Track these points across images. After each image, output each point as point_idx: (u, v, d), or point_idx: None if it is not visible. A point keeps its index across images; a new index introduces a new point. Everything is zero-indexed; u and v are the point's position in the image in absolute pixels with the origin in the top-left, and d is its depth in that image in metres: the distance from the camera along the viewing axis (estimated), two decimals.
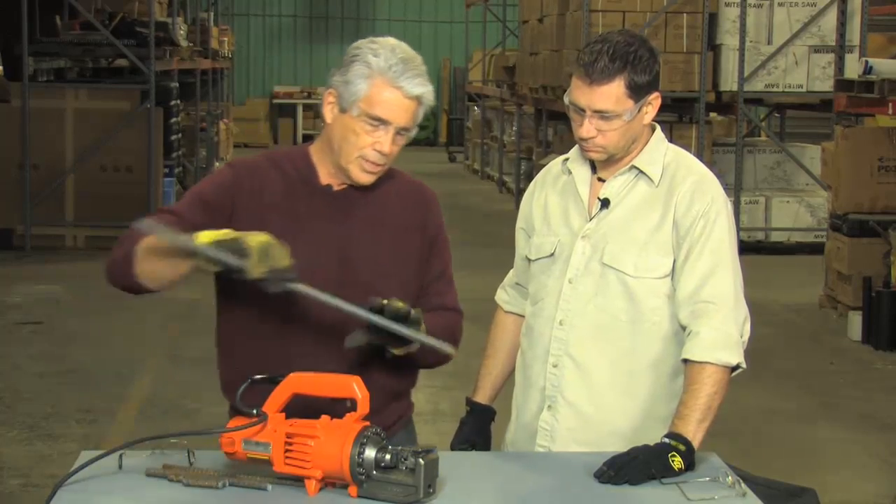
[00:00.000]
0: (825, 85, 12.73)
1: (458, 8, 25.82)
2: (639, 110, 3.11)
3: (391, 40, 3.02)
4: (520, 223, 3.39)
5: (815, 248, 12.11)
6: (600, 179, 3.22)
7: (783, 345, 9.06)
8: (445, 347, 2.89)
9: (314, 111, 27.52)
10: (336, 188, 3.08)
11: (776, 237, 13.35)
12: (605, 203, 3.19)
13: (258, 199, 3.03)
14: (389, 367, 3.04)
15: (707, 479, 2.85)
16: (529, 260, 3.32)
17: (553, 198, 3.29)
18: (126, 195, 12.50)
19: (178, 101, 14.98)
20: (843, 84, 10.42)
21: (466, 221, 15.08)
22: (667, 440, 2.92)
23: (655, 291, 3.13)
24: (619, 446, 2.97)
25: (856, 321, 9.35)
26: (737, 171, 12.90)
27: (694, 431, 2.96)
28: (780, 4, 13.04)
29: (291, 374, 2.79)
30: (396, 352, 2.92)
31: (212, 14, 20.12)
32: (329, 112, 3.04)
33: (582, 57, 3.10)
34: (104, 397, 7.37)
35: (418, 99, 2.98)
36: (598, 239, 3.18)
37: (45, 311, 9.74)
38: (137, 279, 2.92)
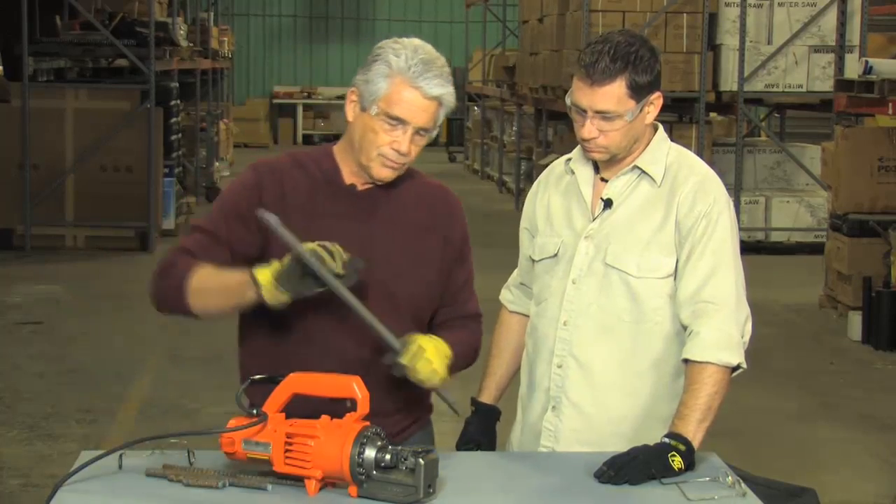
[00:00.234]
0: (825, 85, 12.72)
1: (458, 8, 25.82)
2: (640, 110, 3.11)
3: (415, 41, 3.03)
4: (523, 223, 3.39)
5: (815, 248, 12.11)
6: (603, 179, 3.23)
7: (783, 345, 9.05)
8: (455, 407, 2.97)
9: (314, 111, 27.55)
10: (360, 188, 3.09)
11: (776, 237, 13.35)
12: (607, 203, 3.19)
13: (282, 199, 3.05)
14: None
15: (707, 479, 2.85)
16: (533, 260, 3.32)
17: (556, 198, 3.29)
18: (126, 195, 12.50)
19: (178, 101, 14.97)
20: (843, 84, 10.42)
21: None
22: (667, 440, 2.92)
23: (658, 292, 3.13)
24: (621, 447, 2.96)
25: (856, 321, 9.35)
26: (737, 171, 12.90)
27: (694, 431, 2.96)
28: (780, 4, 13.04)
29: (291, 374, 2.80)
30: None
31: (212, 14, 20.11)
32: (351, 110, 3.06)
33: (583, 58, 3.10)
34: (104, 397, 7.37)
35: (438, 100, 2.99)
36: (601, 239, 3.18)
37: (45, 311, 9.74)
38: (191, 311, 3.02)
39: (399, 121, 2.98)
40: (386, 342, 2.89)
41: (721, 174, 3.37)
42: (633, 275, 3.13)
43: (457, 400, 2.97)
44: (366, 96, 3.00)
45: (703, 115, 12.76)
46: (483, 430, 3.32)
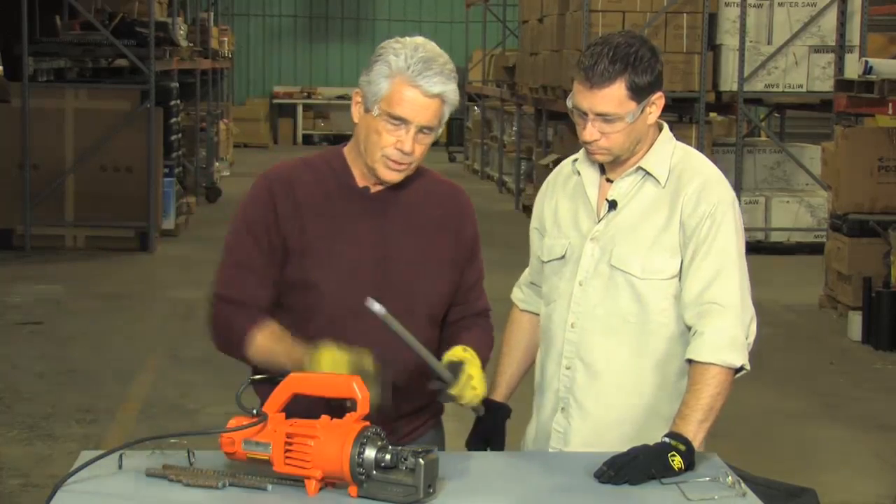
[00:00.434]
0: (825, 85, 12.72)
1: (458, 8, 25.81)
2: (642, 111, 3.10)
3: (418, 39, 3.03)
4: (533, 223, 3.40)
5: (815, 248, 12.11)
6: (609, 180, 3.22)
7: (783, 345, 9.05)
8: (480, 411, 3.10)
9: (314, 111, 27.54)
10: (373, 190, 3.10)
11: (776, 237, 13.35)
12: (612, 204, 3.19)
13: (297, 207, 3.06)
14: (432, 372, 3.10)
15: (707, 479, 2.85)
16: (542, 261, 3.33)
17: (563, 199, 3.29)
18: (126, 195, 12.50)
19: (178, 101, 14.97)
20: (843, 84, 10.42)
21: None
22: (667, 440, 2.91)
23: (663, 293, 3.13)
24: (627, 448, 2.96)
25: (856, 321, 9.35)
26: (737, 171, 12.89)
27: (695, 432, 2.95)
28: (780, 4, 13.04)
29: (291, 374, 2.80)
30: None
31: (212, 14, 20.10)
32: (356, 112, 3.07)
33: (582, 60, 3.09)
34: (104, 397, 7.37)
35: (440, 97, 2.99)
36: (606, 241, 3.18)
37: (45, 311, 9.74)
38: (247, 360, 3.10)
39: (401, 120, 2.98)
40: (436, 373, 2.94)
41: None
42: (637, 276, 3.13)
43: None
44: (368, 97, 3.01)
45: (703, 115, 12.76)
46: (493, 427, 3.32)
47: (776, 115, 16.39)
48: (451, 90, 3.00)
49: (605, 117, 3.08)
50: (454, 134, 25.16)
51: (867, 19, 11.73)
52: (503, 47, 20.41)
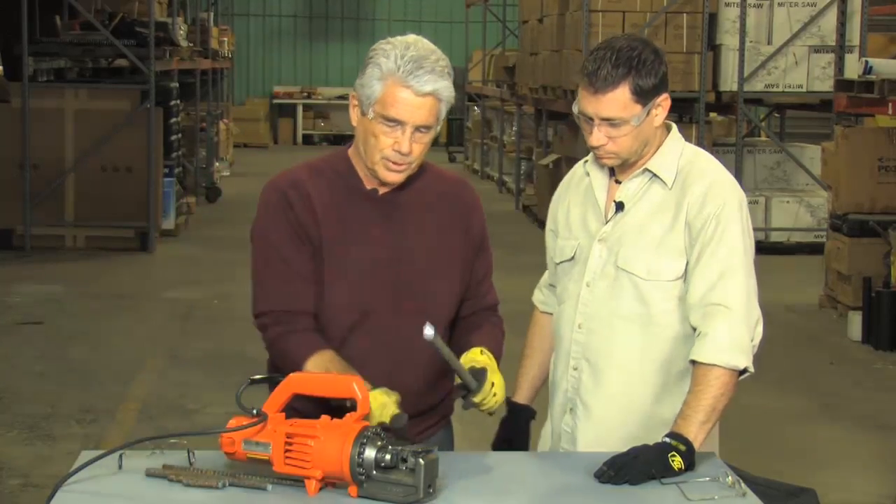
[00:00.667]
0: (825, 85, 12.72)
1: (458, 8, 25.80)
2: (647, 114, 3.10)
3: (409, 38, 3.02)
4: (549, 225, 3.41)
5: (815, 248, 12.11)
6: (617, 182, 3.23)
7: (783, 345, 9.05)
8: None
9: (314, 111, 27.54)
10: (381, 192, 3.11)
11: (776, 237, 13.34)
12: (619, 206, 3.19)
13: (312, 211, 3.07)
14: (446, 372, 3.11)
15: (707, 479, 2.85)
16: (555, 263, 3.34)
17: (575, 201, 3.31)
18: (126, 195, 12.50)
19: (178, 101, 14.97)
20: (843, 84, 10.42)
21: None
22: (667, 440, 2.91)
23: (668, 294, 3.13)
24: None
25: (856, 321, 9.35)
26: (737, 172, 12.87)
27: (696, 432, 2.95)
28: (780, 4, 13.03)
29: (291, 375, 2.80)
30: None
31: (212, 14, 20.11)
32: (354, 115, 3.08)
33: (586, 66, 3.09)
34: (104, 397, 7.37)
35: (433, 95, 2.98)
36: (613, 242, 3.18)
37: (45, 311, 9.74)
38: None
39: (396, 122, 2.98)
40: (464, 381, 2.97)
41: None
42: (642, 278, 3.13)
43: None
44: (363, 101, 3.01)
45: (703, 115, 12.76)
46: (516, 429, 3.33)
47: (776, 115, 16.39)
48: (443, 87, 2.99)
49: (610, 122, 3.08)
50: (454, 134, 25.18)
51: (867, 19, 11.73)
52: (503, 47, 20.41)
